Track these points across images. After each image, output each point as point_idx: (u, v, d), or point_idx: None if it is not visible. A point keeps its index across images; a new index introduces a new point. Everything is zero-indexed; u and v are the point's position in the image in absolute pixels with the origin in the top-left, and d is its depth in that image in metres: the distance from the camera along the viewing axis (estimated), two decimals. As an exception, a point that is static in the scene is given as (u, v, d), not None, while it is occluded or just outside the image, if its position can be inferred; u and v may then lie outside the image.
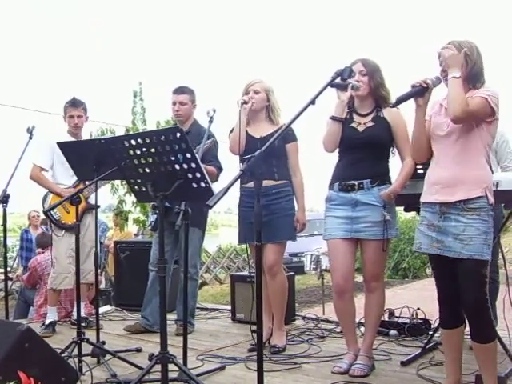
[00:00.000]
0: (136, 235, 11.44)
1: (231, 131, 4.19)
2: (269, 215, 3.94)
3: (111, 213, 11.69)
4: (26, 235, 9.20)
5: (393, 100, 3.27)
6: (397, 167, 3.64)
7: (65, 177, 4.81)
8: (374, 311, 3.68)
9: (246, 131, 4.18)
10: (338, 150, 3.70)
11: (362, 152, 3.57)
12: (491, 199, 2.82)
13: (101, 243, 7.40)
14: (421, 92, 2.93)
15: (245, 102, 4.08)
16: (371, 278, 3.64)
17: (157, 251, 3.44)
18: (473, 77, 2.87)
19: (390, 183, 3.59)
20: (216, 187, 2.73)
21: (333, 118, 3.57)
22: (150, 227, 5.18)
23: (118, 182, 9.40)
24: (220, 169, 4.74)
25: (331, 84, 2.87)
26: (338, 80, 2.94)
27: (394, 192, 3.51)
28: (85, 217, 5.02)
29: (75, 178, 4.66)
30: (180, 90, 4.85)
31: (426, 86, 2.92)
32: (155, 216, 4.70)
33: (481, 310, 2.81)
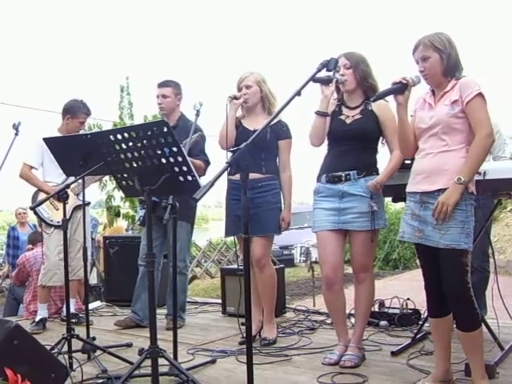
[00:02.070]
0: (126, 230, 11.41)
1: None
2: (254, 208, 3.92)
3: (101, 208, 11.63)
4: (12, 232, 9.10)
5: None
6: (386, 159, 3.65)
7: (55, 174, 4.75)
8: (364, 302, 3.69)
9: (241, 123, 4.21)
10: (326, 142, 3.71)
11: (349, 144, 3.58)
12: (471, 188, 2.83)
13: (93, 239, 7.35)
14: (400, 89, 3.00)
15: (235, 98, 4.07)
16: (360, 269, 3.65)
17: (145, 246, 3.43)
18: (451, 68, 2.90)
19: (378, 174, 3.59)
20: (203, 181, 2.72)
21: (317, 113, 3.57)
22: (138, 222, 5.17)
23: (106, 177, 9.33)
24: (207, 162, 4.73)
25: (314, 79, 2.89)
26: (323, 73, 2.94)
27: (380, 183, 3.51)
28: (75, 214, 4.99)
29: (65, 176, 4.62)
30: (164, 84, 4.84)
31: (405, 82, 2.97)
32: (143, 211, 4.68)
33: (462, 298, 2.82)
